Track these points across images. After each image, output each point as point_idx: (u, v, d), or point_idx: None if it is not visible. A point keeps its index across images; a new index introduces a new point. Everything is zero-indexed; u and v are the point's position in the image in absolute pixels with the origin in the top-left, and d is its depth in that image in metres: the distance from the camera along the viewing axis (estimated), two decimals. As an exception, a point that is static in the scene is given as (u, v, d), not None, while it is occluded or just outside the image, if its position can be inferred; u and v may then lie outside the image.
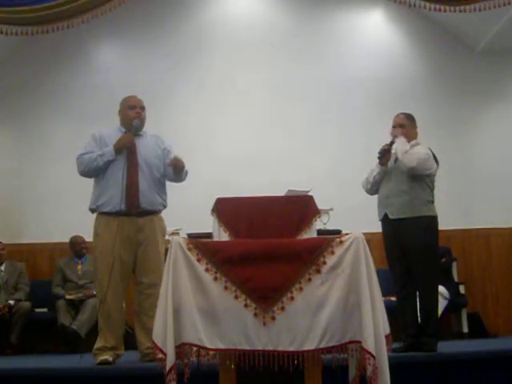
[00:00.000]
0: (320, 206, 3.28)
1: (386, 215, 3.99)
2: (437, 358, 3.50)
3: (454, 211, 6.22)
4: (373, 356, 2.27)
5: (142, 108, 3.82)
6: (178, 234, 4.42)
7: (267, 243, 2.49)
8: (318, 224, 3.47)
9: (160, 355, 2.34)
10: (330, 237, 2.47)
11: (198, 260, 2.43)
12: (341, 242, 2.43)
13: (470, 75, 6.57)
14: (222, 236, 3.05)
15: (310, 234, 3.07)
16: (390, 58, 6.62)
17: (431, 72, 6.62)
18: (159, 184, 3.79)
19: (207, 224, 3.29)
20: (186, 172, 3.85)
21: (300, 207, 3.11)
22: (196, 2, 6.70)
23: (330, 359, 2.41)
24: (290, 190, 4.09)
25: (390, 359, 2.36)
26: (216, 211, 3.12)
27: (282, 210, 3.08)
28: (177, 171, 3.73)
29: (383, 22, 6.75)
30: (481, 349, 3.83)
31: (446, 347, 3.85)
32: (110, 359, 3.47)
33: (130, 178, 3.62)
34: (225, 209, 3.11)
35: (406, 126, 4.07)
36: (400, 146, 3.95)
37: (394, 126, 4.10)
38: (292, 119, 6.41)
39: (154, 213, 3.73)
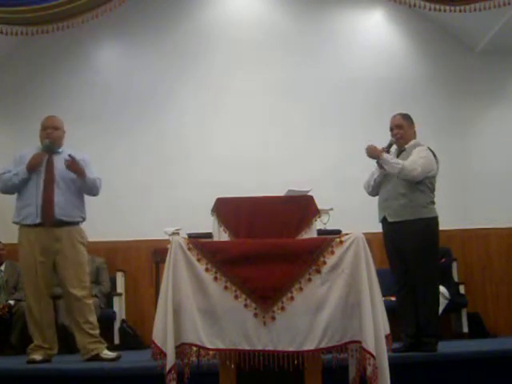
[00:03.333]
0: (320, 205, 3.28)
1: (384, 218, 3.99)
2: (437, 358, 3.50)
3: (454, 211, 6.22)
4: (373, 356, 2.27)
5: (54, 128, 4.09)
6: (177, 233, 4.42)
7: (267, 243, 2.49)
8: (318, 224, 3.47)
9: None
10: (330, 237, 2.47)
11: (198, 260, 2.43)
12: (341, 242, 2.43)
13: (470, 75, 6.56)
14: (222, 236, 3.06)
15: (310, 234, 3.07)
16: (390, 58, 6.61)
17: (431, 72, 6.62)
18: (77, 198, 4.04)
19: (207, 224, 3.29)
20: (94, 182, 4.06)
21: (300, 207, 3.11)
22: (196, 2, 6.70)
23: (330, 359, 2.41)
24: (289, 190, 4.09)
25: (390, 359, 2.36)
26: (216, 211, 3.13)
27: (282, 210, 3.08)
28: (78, 177, 3.96)
29: (383, 22, 6.75)
30: (481, 349, 3.82)
31: (445, 347, 3.85)
32: (38, 358, 3.74)
33: (46, 193, 3.90)
34: (225, 209, 3.11)
35: (403, 126, 4.05)
36: (389, 168, 3.90)
37: (391, 128, 4.09)
38: (292, 119, 6.41)
39: (72, 224, 3.98)
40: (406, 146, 4.06)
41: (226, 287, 2.39)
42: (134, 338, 5.55)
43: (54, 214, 3.88)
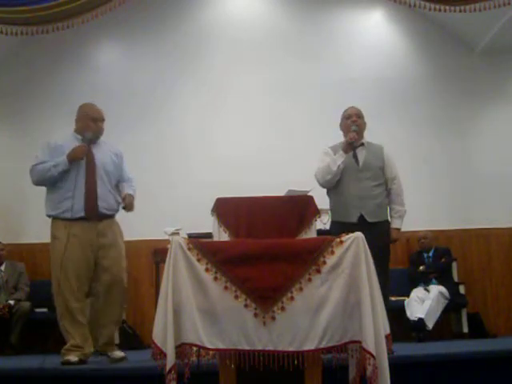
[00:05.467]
0: (320, 206, 3.28)
1: (362, 217, 3.82)
2: (437, 358, 3.50)
3: (454, 211, 6.23)
4: (373, 356, 2.27)
5: (103, 120, 3.96)
6: (177, 233, 4.43)
7: (267, 243, 2.49)
8: (318, 224, 3.46)
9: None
10: (330, 237, 2.47)
11: (198, 260, 2.43)
12: (341, 242, 2.43)
13: (469, 75, 6.56)
14: (222, 236, 3.05)
15: (310, 234, 3.07)
16: (390, 58, 6.62)
17: (431, 72, 6.62)
18: (115, 190, 3.92)
19: (207, 224, 3.29)
20: (134, 194, 4.01)
21: (300, 207, 3.11)
22: (196, 2, 6.70)
23: (330, 359, 2.41)
24: (289, 190, 4.08)
25: (390, 359, 2.36)
26: (216, 211, 3.13)
27: (282, 210, 3.08)
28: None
29: (383, 22, 6.75)
30: (481, 349, 3.82)
31: (446, 347, 3.85)
32: (73, 359, 3.51)
33: (89, 185, 3.73)
34: (225, 209, 3.11)
35: (362, 117, 4.02)
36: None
37: (349, 115, 3.98)
38: (292, 119, 6.41)
39: (112, 216, 3.85)
40: (364, 142, 3.99)
41: (225, 287, 2.39)
42: (134, 337, 5.55)
43: (98, 206, 3.73)
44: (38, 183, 3.86)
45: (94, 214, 3.72)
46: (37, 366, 3.32)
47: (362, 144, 3.98)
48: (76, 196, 3.70)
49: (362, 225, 3.69)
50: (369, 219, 3.80)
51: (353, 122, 3.93)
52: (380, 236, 3.78)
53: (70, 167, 3.73)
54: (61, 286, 3.67)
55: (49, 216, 3.84)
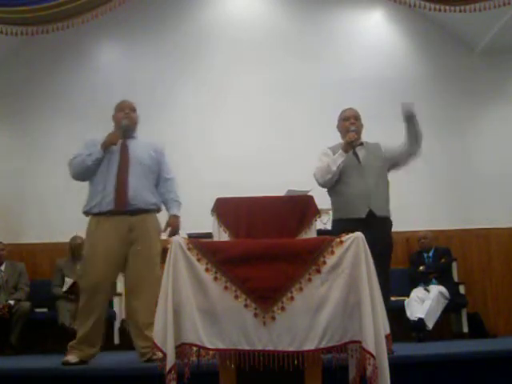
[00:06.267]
0: (320, 206, 3.28)
1: (371, 211, 3.79)
2: (437, 358, 3.50)
3: (454, 211, 6.23)
4: (373, 356, 2.26)
5: (132, 109, 3.88)
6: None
7: (267, 243, 2.49)
8: (318, 224, 3.46)
9: (159, 355, 2.34)
10: (330, 237, 2.47)
11: (198, 260, 2.43)
12: (341, 242, 2.43)
13: (469, 75, 6.57)
14: (222, 236, 3.05)
15: (310, 234, 3.06)
16: (390, 58, 6.62)
17: (431, 72, 6.62)
18: (153, 185, 3.79)
19: (207, 224, 3.29)
20: (179, 200, 3.91)
21: (300, 207, 3.11)
22: (196, 2, 6.71)
23: (330, 359, 2.41)
24: (289, 190, 4.08)
25: (390, 359, 2.36)
26: (216, 211, 3.12)
27: (282, 210, 3.08)
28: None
29: (383, 22, 6.76)
30: (481, 349, 3.82)
31: (446, 347, 3.85)
32: (72, 360, 3.45)
33: (120, 177, 3.62)
34: (225, 209, 3.10)
35: (360, 119, 4.02)
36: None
37: (347, 118, 3.98)
38: (292, 119, 6.41)
39: (147, 211, 3.70)
40: (363, 142, 4.00)
41: (225, 287, 2.39)
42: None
43: (128, 198, 3.58)
44: (75, 176, 3.77)
45: (125, 207, 3.59)
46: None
47: (361, 144, 3.99)
48: (107, 189, 3.60)
49: (370, 220, 3.72)
50: (378, 213, 3.80)
51: (351, 125, 3.94)
52: (385, 231, 3.81)
53: (103, 155, 3.65)
54: (84, 282, 3.61)
55: (83, 212, 3.74)
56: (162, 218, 3.83)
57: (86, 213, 3.71)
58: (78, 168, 3.71)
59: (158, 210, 3.82)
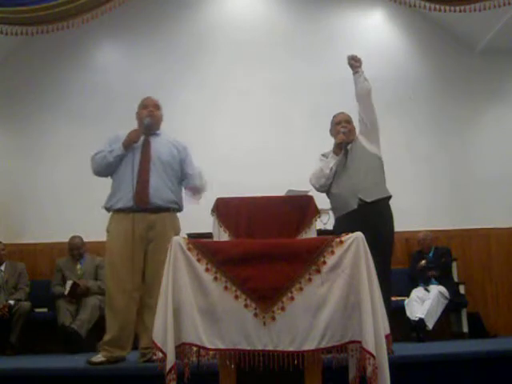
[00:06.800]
0: (320, 206, 3.28)
1: (360, 200, 3.77)
2: (437, 358, 3.50)
3: (454, 211, 6.23)
4: (373, 356, 2.26)
5: (156, 106, 3.90)
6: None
7: (267, 243, 2.49)
8: (318, 224, 3.46)
9: (159, 355, 2.34)
10: (330, 237, 2.47)
11: (198, 260, 2.43)
12: (341, 242, 2.43)
13: (470, 75, 6.57)
14: (222, 236, 3.05)
15: (310, 234, 3.06)
16: (390, 58, 6.62)
17: (431, 72, 6.62)
18: (175, 184, 3.77)
19: (207, 224, 3.29)
20: (202, 186, 3.85)
21: (300, 207, 3.11)
22: (196, 3, 6.70)
23: (330, 359, 2.41)
24: (289, 190, 4.09)
25: (390, 359, 2.36)
26: (216, 211, 3.12)
27: (282, 209, 3.07)
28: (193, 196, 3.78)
29: (383, 21, 6.76)
30: (481, 349, 3.82)
31: (446, 347, 3.85)
32: (97, 360, 3.45)
33: (141, 174, 3.61)
34: (225, 209, 3.10)
35: (351, 122, 4.06)
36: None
37: (339, 122, 4.03)
38: (292, 119, 6.41)
39: (167, 210, 3.67)
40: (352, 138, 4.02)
41: (226, 287, 2.39)
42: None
43: (149, 196, 3.56)
44: (96, 172, 3.76)
45: (145, 205, 3.57)
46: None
47: (351, 141, 4.00)
48: (127, 186, 3.58)
49: (363, 208, 3.73)
50: (368, 199, 3.77)
51: (343, 128, 3.99)
52: (382, 214, 3.79)
53: (125, 152, 3.65)
54: (107, 283, 3.62)
55: (105, 208, 3.72)
56: (182, 217, 3.81)
57: (107, 209, 3.70)
58: (99, 164, 3.71)
59: (179, 210, 3.81)
